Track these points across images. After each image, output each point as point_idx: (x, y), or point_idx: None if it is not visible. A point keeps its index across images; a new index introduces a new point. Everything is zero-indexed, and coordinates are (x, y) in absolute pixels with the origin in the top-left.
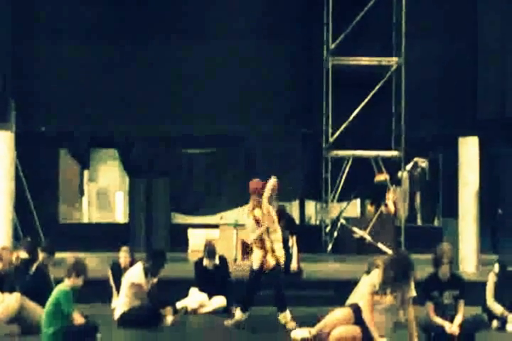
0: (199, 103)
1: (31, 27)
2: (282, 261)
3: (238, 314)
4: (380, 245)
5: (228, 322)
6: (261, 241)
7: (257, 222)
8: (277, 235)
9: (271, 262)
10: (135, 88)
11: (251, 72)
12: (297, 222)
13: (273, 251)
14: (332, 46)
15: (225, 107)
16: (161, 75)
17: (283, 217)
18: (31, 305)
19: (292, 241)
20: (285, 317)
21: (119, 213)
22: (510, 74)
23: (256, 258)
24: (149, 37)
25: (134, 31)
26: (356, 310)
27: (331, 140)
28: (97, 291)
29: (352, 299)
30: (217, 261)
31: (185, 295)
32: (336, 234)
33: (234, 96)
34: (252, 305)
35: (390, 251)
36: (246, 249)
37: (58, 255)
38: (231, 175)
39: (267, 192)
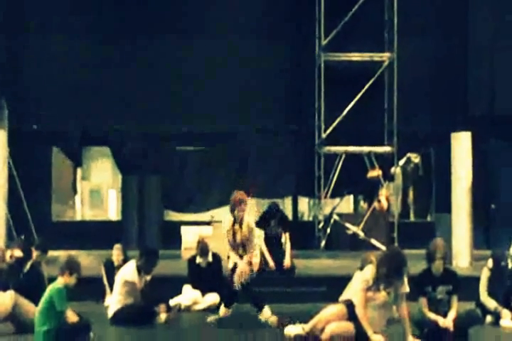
0: (199, 103)
1: (27, 24)
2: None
3: (222, 310)
4: (373, 241)
5: (211, 318)
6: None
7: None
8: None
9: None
10: (134, 87)
11: (251, 72)
12: (290, 218)
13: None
14: (324, 42)
15: (225, 107)
16: (161, 75)
17: (276, 213)
18: (25, 303)
19: (285, 237)
20: (264, 315)
21: (112, 211)
22: (501, 70)
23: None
24: (149, 37)
25: (134, 31)
26: (349, 306)
27: (323, 136)
28: (91, 289)
29: (345, 295)
30: (210, 259)
31: (179, 292)
32: (329, 230)
33: (233, 96)
34: (235, 300)
35: (383, 247)
36: None
37: (51, 253)
38: (223, 172)
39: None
